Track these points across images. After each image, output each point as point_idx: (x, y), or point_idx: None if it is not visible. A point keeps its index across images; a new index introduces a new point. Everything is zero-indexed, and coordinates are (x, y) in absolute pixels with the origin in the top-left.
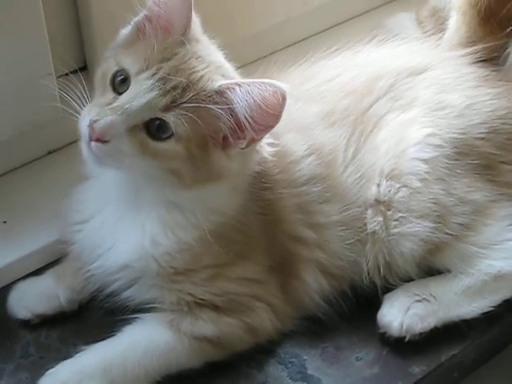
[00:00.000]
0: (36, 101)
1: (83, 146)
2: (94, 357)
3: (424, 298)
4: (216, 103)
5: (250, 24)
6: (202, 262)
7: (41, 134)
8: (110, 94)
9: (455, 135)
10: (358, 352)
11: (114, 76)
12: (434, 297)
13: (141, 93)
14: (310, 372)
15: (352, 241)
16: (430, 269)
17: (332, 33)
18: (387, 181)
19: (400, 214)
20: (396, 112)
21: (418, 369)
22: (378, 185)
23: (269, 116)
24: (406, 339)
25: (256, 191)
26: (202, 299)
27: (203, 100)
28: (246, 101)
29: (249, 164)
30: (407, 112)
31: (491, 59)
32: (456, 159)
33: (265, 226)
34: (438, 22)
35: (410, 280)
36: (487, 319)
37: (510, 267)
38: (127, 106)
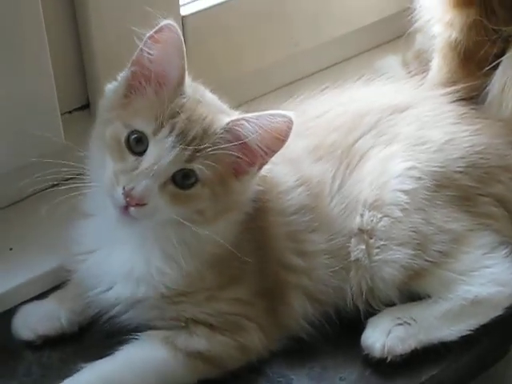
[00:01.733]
0: (41, 135)
1: (117, 213)
2: (92, 374)
3: (405, 322)
4: (229, 141)
5: (238, 66)
6: (200, 286)
7: (45, 167)
8: (130, 157)
9: (435, 168)
10: (342, 372)
11: (128, 139)
12: (414, 320)
13: (165, 151)
14: None
15: (337, 268)
16: (411, 293)
17: (323, 74)
18: (370, 211)
19: (381, 242)
20: (380, 147)
21: None
22: (362, 215)
23: (279, 141)
24: (388, 360)
25: (249, 219)
26: (199, 318)
27: (218, 142)
28: (258, 133)
29: (250, 191)
30: (390, 146)
31: (470, 98)
32: (435, 191)
33: (256, 252)
34: (422, 63)
35: (392, 304)
36: (465, 342)
37: (486, 293)
38: (156, 166)
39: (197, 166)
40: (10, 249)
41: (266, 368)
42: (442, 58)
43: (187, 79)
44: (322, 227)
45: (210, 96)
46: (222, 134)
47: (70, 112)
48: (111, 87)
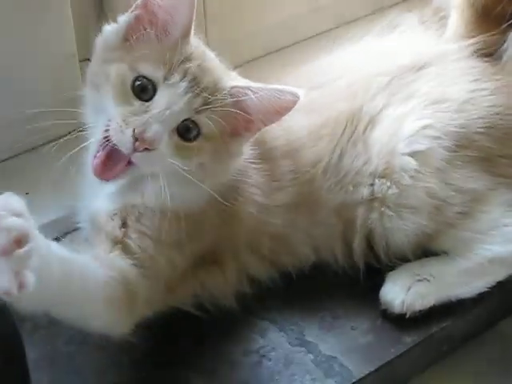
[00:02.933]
0: (60, 81)
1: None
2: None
3: (424, 278)
4: (232, 105)
5: (256, 20)
6: (162, 228)
7: (62, 114)
8: (136, 102)
9: (455, 129)
10: (353, 321)
11: (133, 83)
12: (433, 277)
13: (177, 97)
14: (307, 338)
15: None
16: (427, 250)
17: (341, 30)
18: (379, 179)
19: (391, 212)
20: (392, 106)
21: (409, 338)
22: (372, 184)
23: (279, 115)
24: (407, 316)
25: (230, 197)
26: (133, 248)
27: (223, 100)
28: (262, 104)
29: (242, 154)
30: (404, 105)
31: (488, 54)
32: (454, 151)
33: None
34: (439, 21)
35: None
36: (477, 296)
37: (504, 251)
38: (168, 111)
39: (204, 119)
40: (27, 193)
41: (277, 316)
42: (460, 14)
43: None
44: (306, 208)
45: (211, 53)
46: (227, 94)
47: (88, 59)
48: (110, 28)
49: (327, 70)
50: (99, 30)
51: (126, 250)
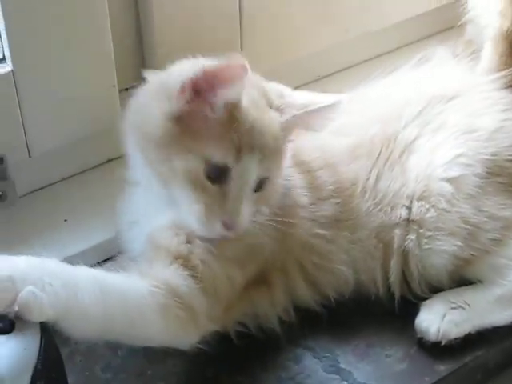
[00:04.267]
0: (99, 111)
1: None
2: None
3: (459, 306)
4: (285, 136)
5: (291, 49)
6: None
7: (101, 143)
8: (213, 188)
9: (486, 156)
10: (387, 350)
11: (210, 173)
12: (468, 305)
13: (250, 174)
14: (342, 366)
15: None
16: (461, 279)
17: (373, 63)
18: (418, 201)
19: (430, 233)
20: (426, 136)
21: (443, 367)
22: (408, 207)
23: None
24: (442, 344)
25: (278, 215)
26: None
27: (282, 141)
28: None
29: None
30: (437, 135)
31: None
32: (486, 177)
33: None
34: (472, 54)
35: (439, 291)
36: (510, 325)
37: None
38: (246, 189)
39: (271, 171)
40: (65, 220)
41: (313, 343)
42: (494, 47)
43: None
44: (347, 225)
45: (257, 90)
46: (281, 132)
47: (126, 89)
48: (151, 101)
49: (360, 98)
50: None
51: (187, 264)
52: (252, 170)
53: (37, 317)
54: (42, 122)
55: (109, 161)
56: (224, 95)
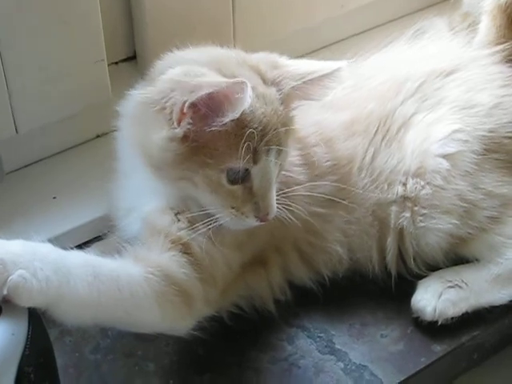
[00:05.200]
0: (88, 86)
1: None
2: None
3: (456, 284)
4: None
5: (287, 25)
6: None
7: (90, 118)
8: (238, 188)
9: (484, 133)
10: (383, 329)
11: (231, 178)
12: (465, 283)
13: (271, 169)
14: (337, 346)
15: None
16: (458, 257)
17: (367, 36)
18: (413, 178)
19: (425, 211)
20: (424, 112)
21: (439, 347)
22: (404, 183)
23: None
24: (439, 323)
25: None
26: (195, 249)
27: (286, 115)
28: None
29: None
30: (435, 111)
31: None
32: (483, 154)
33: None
34: (469, 26)
35: (436, 269)
36: (508, 304)
37: None
38: (269, 183)
39: (285, 149)
40: (54, 197)
41: (307, 323)
42: (492, 20)
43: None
44: (344, 203)
45: (253, 65)
46: (282, 104)
47: (116, 63)
48: (164, 135)
49: (356, 71)
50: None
51: (186, 250)
52: (273, 164)
53: (26, 301)
54: (30, 98)
55: (98, 137)
56: (229, 116)
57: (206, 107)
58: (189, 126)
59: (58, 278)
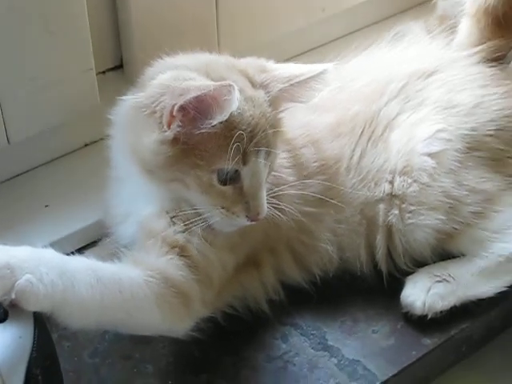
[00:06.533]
0: (77, 95)
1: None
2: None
3: (444, 279)
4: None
5: (268, 30)
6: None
7: (79, 128)
8: (229, 189)
9: (466, 132)
10: (374, 325)
11: (221, 178)
12: (452, 278)
13: (261, 169)
14: (330, 343)
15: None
16: (445, 252)
17: (347, 40)
18: (400, 176)
19: (413, 207)
20: (407, 112)
21: (429, 341)
22: (391, 181)
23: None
24: (428, 317)
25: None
26: (190, 251)
27: (274, 117)
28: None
29: None
30: (418, 111)
31: (497, 58)
32: (466, 152)
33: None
34: (445, 29)
35: (423, 265)
36: (495, 296)
37: None
38: (260, 184)
39: (276, 152)
40: (46, 206)
41: (299, 321)
42: (476, 22)
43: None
44: (332, 203)
45: (242, 69)
46: (270, 105)
47: (103, 72)
48: (155, 138)
49: (338, 73)
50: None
51: (183, 253)
52: (262, 165)
53: (33, 305)
54: (20, 109)
55: (86, 145)
56: (217, 118)
57: (195, 110)
58: (178, 129)
59: (62, 281)
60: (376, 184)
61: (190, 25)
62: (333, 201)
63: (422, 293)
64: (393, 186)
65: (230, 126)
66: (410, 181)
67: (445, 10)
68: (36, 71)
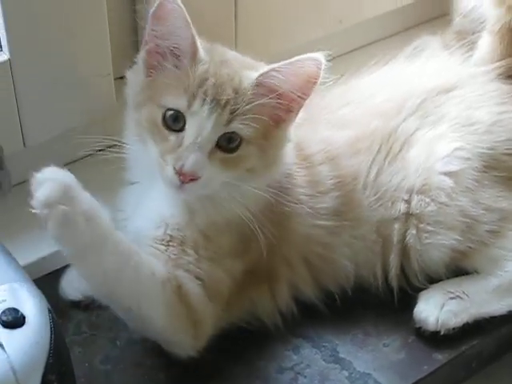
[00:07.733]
0: (95, 100)
1: (175, 192)
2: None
3: (457, 296)
4: (262, 94)
5: (285, 40)
6: (212, 244)
7: (97, 132)
8: (171, 136)
9: (483, 150)
10: (385, 339)
11: (164, 118)
12: (466, 295)
13: (204, 121)
14: (341, 355)
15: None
16: (459, 269)
17: (363, 52)
18: (418, 195)
19: (430, 227)
20: (425, 128)
21: (441, 356)
22: (408, 200)
23: (311, 84)
24: (441, 333)
25: (278, 203)
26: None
27: (252, 98)
28: (290, 80)
29: (290, 138)
30: (437, 128)
31: None
32: (483, 171)
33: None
34: (465, 45)
35: (437, 281)
36: (506, 314)
37: None
38: (199, 138)
39: (237, 127)
40: None
41: (311, 333)
42: (499, 39)
43: (203, 45)
44: (349, 219)
45: (232, 54)
46: (253, 89)
47: (121, 78)
48: (131, 72)
49: (358, 88)
50: (135, 50)
51: (190, 272)
52: (206, 121)
53: (65, 233)
54: (38, 112)
55: (102, 150)
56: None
57: (155, 27)
58: (148, 50)
59: (100, 232)
60: (392, 203)
61: (207, 34)
62: (350, 215)
63: (436, 309)
64: (409, 205)
65: (190, 68)
66: (427, 200)
67: (463, 25)
68: (56, 75)
